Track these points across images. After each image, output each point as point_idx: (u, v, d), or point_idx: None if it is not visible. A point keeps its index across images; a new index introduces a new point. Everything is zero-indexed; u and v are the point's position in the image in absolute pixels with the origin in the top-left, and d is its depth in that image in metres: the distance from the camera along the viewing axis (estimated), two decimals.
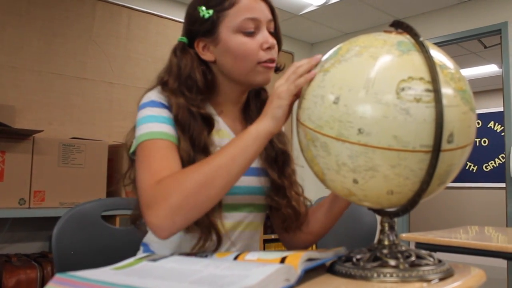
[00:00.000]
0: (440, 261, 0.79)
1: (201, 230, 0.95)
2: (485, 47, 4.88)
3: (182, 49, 1.06)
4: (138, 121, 0.99)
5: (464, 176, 6.69)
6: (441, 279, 0.74)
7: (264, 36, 1.03)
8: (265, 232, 3.60)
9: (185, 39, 1.08)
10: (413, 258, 0.77)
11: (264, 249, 3.59)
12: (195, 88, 1.02)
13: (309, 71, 0.86)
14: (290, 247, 1.19)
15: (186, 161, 0.95)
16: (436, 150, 0.70)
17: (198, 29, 1.05)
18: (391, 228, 0.84)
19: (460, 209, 6.73)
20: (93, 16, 3.44)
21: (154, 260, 0.77)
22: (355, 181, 0.76)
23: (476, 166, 6.64)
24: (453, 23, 4.06)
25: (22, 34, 3.10)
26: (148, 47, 3.68)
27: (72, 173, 2.80)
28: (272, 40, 1.04)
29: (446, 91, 0.72)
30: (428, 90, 0.70)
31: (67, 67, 3.27)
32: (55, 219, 1.21)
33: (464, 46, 4.87)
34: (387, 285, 0.72)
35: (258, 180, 1.08)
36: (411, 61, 0.73)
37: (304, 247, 1.16)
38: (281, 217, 1.12)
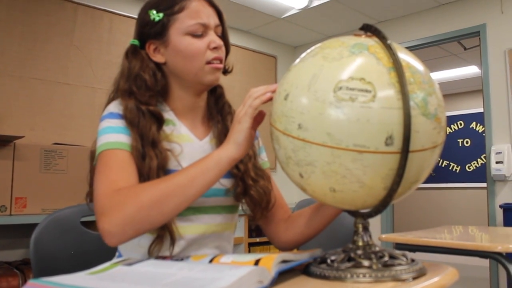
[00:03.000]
0: (413, 260, 0.81)
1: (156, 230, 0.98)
2: (465, 48, 4.96)
3: (133, 51, 1.11)
4: (98, 133, 1.03)
5: (447, 176, 6.76)
6: (414, 278, 0.76)
7: (211, 37, 1.08)
8: (249, 236, 3.61)
9: (136, 42, 1.12)
10: (386, 258, 0.78)
11: (249, 252, 3.58)
12: (144, 86, 1.07)
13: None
14: (277, 246, 1.20)
15: (137, 157, 0.98)
16: (405, 151, 0.71)
17: (148, 32, 1.09)
18: (365, 229, 0.85)
19: (444, 209, 6.80)
20: (75, 21, 3.42)
21: (129, 264, 0.77)
22: (301, 175, 0.78)
23: (459, 167, 6.71)
24: (433, 25, 4.12)
25: (2, 39, 3.07)
26: None
27: (54, 179, 2.78)
28: (219, 41, 1.09)
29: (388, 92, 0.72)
30: (366, 91, 0.71)
31: (48, 72, 3.25)
32: (37, 226, 1.21)
33: (444, 48, 4.94)
34: (360, 286, 0.73)
35: (219, 182, 1.09)
36: (357, 62, 0.74)
37: (289, 248, 1.17)
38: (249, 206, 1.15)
